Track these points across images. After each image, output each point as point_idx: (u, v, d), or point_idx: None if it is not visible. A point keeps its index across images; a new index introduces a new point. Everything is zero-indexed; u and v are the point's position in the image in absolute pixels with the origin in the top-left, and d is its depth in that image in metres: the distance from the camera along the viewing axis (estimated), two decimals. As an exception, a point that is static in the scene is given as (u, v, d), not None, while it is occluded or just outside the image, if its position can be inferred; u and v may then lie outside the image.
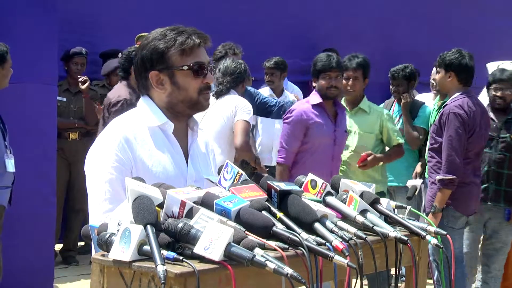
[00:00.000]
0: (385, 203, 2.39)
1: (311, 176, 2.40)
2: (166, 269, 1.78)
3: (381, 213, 2.33)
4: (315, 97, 5.41)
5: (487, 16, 10.50)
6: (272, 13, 8.95)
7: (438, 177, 5.27)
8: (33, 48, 5.65)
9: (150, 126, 2.65)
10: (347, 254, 1.99)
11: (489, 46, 9.66)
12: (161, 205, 2.04)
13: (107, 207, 2.53)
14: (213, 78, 2.70)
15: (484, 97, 6.29)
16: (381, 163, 5.76)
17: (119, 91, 6.37)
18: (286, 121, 5.42)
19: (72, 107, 7.42)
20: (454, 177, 5.23)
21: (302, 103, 5.53)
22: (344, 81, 5.58)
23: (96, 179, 2.59)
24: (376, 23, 9.68)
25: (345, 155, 5.73)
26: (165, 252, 1.85)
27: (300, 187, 2.35)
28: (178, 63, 2.60)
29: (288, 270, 1.83)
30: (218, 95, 5.88)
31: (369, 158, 5.62)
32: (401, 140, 5.86)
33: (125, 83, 6.39)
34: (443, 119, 5.33)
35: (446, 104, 5.42)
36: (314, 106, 5.37)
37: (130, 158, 2.57)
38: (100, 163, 2.58)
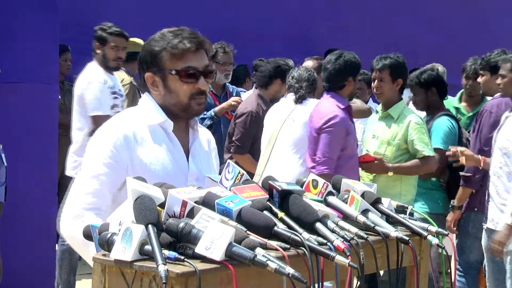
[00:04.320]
0: (387, 203, 2.39)
1: (312, 176, 2.40)
2: (167, 269, 1.78)
3: (382, 213, 2.33)
4: (340, 99, 5.20)
5: (488, 15, 10.50)
6: (272, 13, 8.95)
7: (461, 173, 5.14)
8: (33, 48, 5.63)
9: (150, 124, 2.66)
10: (348, 254, 1.99)
11: (489, 46, 9.64)
12: (162, 205, 2.04)
13: (88, 200, 2.57)
14: (207, 84, 2.65)
15: None
16: (391, 173, 5.15)
17: (247, 102, 6.26)
18: (328, 129, 5.08)
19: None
20: (470, 174, 5.08)
21: (332, 107, 5.16)
22: (373, 83, 5.40)
23: (85, 172, 2.63)
24: (376, 23, 9.68)
25: None
26: (166, 252, 1.85)
27: (302, 187, 2.35)
28: (168, 67, 2.61)
29: (289, 270, 1.83)
30: (301, 99, 5.65)
31: (375, 162, 5.17)
32: (428, 153, 5.13)
33: (257, 93, 6.25)
34: (478, 118, 5.20)
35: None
36: (343, 109, 5.17)
37: (126, 156, 2.59)
38: (93, 158, 2.62)
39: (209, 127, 6.25)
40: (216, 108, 6.45)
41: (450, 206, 5.22)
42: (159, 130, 2.67)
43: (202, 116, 6.15)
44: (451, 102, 6.36)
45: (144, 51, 2.67)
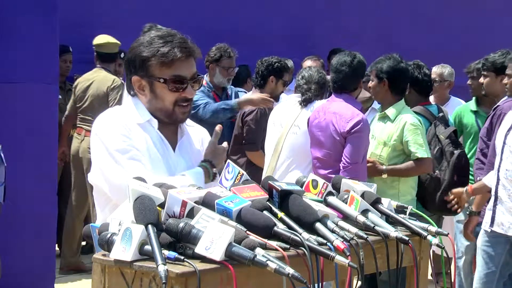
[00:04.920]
0: (386, 203, 2.39)
1: (312, 176, 2.40)
2: (167, 269, 1.78)
3: (382, 213, 2.33)
4: (354, 101, 5.14)
5: (488, 15, 10.51)
6: (272, 13, 8.96)
7: (478, 179, 5.03)
8: (33, 47, 5.63)
9: (137, 122, 2.69)
10: (348, 254, 1.99)
11: (490, 46, 9.65)
12: (162, 205, 2.04)
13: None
14: (194, 92, 2.67)
15: None
16: (385, 176, 5.08)
17: None
18: (357, 133, 4.95)
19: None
20: None
21: (354, 110, 5.05)
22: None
23: (112, 159, 2.61)
24: (376, 23, 9.68)
25: None
26: (166, 252, 1.85)
27: (301, 187, 2.35)
28: (157, 74, 2.62)
29: (289, 270, 1.83)
30: (307, 102, 5.54)
31: (368, 165, 5.08)
32: (421, 155, 5.03)
33: (258, 92, 6.22)
34: (494, 120, 5.10)
35: (498, 106, 5.18)
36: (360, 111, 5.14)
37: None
38: (112, 144, 2.61)
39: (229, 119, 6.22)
40: (242, 99, 6.19)
41: (467, 212, 5.15)
42: (146, 126, 2.69)
43: (223, 106, 6.07)
44: (468, 106, 6.19)
45: (132, 54, 2.67)
